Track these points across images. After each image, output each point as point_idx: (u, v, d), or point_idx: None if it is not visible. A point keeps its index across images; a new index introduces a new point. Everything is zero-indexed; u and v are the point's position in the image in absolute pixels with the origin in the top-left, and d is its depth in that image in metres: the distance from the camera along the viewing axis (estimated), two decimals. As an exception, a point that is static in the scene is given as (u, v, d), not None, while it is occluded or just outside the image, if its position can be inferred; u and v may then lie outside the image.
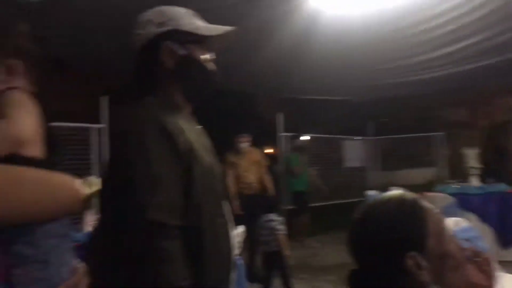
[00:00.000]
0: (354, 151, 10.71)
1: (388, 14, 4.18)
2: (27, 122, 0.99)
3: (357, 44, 4.75)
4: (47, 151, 1.14)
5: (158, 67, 1.30)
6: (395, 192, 1.03)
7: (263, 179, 5.36)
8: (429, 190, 5.82)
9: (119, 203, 1.16)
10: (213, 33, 1.33)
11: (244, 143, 5.27)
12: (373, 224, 0.96)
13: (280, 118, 7.31)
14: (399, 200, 0.98)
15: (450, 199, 4.43)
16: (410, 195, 1.00)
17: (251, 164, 5.29)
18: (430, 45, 4.79)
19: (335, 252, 6.03)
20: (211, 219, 1.27)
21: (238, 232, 2.87)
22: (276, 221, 4.06)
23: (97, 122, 6.05)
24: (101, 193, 1.25)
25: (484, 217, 4.88)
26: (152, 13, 1.33)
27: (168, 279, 1.10)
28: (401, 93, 7.64)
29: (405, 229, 0.93)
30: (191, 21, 1.33)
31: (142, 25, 1.31)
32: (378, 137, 11.08)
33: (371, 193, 6.59)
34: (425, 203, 0.98)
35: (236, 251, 2.77)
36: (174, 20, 1.31)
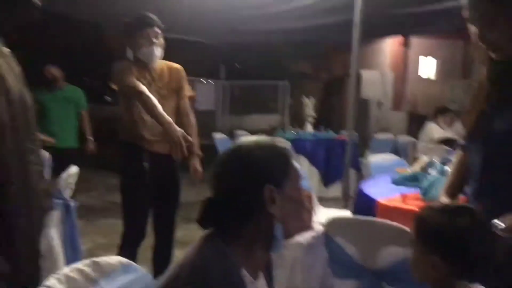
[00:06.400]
0: (205, 94, 10.85)
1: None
2: None
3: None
4: None
5: None
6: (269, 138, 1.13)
7: None
8: (272, 135, 6.30)
9: None
10: None
11: None
12: (242, 157, 1.04)
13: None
14: (272, 143, 1.11)
15: (287, 144, 4.87)
16: (282, 143, 1.13)
17: None
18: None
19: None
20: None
21: (70, 173, 2.65)
22: None
23: None
24: None
25: (313, 160, 5.52)
26: None
27: None
28: (253, 41, 7.90)
29: (270, 165, 1.04)
30: None
31: None
32: (229, 81, 11.38)
33: (219, 136, 6.88)
34: (292, 155, 1.11)
35: (68, 192, 2.60)
36: None
